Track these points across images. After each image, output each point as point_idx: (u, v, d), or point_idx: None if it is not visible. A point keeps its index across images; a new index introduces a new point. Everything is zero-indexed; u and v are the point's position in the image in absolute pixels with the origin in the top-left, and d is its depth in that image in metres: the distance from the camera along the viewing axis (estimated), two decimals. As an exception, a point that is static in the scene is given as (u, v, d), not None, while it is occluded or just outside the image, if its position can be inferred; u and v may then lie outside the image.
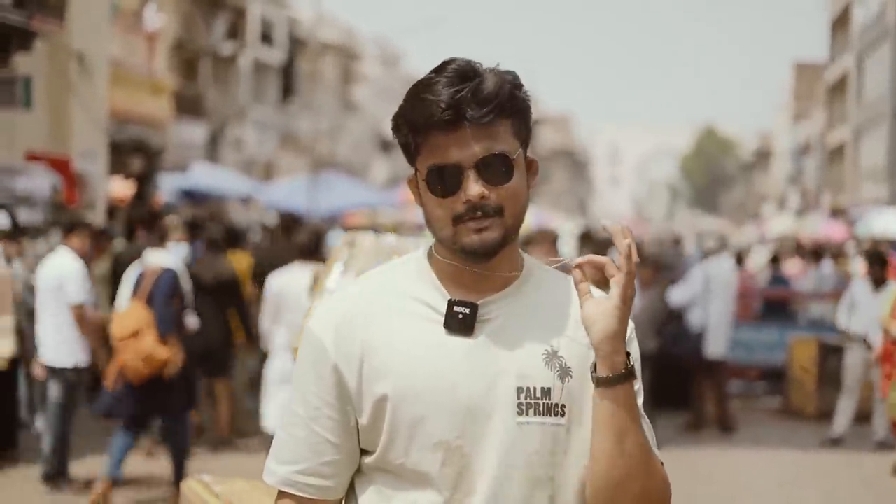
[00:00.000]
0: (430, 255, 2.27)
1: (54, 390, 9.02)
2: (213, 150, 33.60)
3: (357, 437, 2.20)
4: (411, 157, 2.21)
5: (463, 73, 2.14)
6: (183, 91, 30.68)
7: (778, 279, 17.48)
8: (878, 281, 11.84)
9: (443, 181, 2.14)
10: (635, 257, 2.07)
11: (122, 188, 20.58)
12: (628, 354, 2.12)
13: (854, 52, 45.69)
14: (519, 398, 2.15)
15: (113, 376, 8.35)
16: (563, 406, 2.16)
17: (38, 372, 9.31)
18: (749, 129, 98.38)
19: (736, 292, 13.47)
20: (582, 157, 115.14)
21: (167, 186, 21.76)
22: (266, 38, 39.54)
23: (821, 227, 34.48)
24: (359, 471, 2.24)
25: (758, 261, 24.14)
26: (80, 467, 9.55)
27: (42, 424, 9.62)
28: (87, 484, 9.03)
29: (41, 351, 9.10)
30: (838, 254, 20.65)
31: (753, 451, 11.69)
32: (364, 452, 2.22)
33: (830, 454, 11.60)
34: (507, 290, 2.21)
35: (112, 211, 18.06)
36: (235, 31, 36.84)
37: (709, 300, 12.69)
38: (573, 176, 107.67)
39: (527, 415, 2.15)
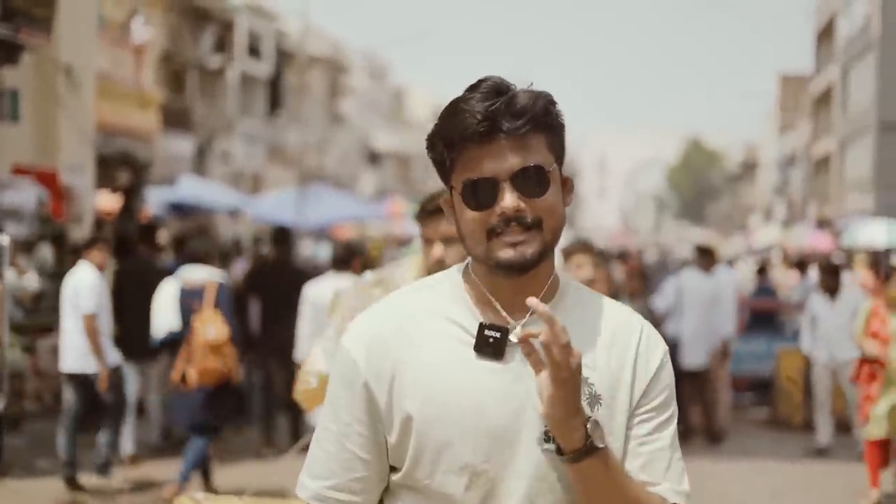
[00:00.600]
0: (465, 275, 2.26)
1: (70, 396, 9.46)
2: (200, 163, 33.58)
3: (387, 455, 2.21)
4: (446, 174, 2.21)
5: (497, 89, 2.15)
6: (170, 104, 30.66)
7: (764, 290, 17.52)
8: (832, 290, 12.04)
9: (478, 194, 2.14)
10: (561, 338, 2.01)
11: (109, 202, 20.54)
12: (591, 423, 2.07)
13: (839, 63, 45.87)
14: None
15: (193, 381, 8.85)
16: None
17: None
18: (735, 141, 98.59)
19: (736, 302, 13.53)
20: (569, 169, 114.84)
21: (154, 200, 21.73)
22: (253, 51, 39.55)
23: (807, 238, 34.57)
24: (387, 488, 2.24)
25: (745, 271, 24.18)
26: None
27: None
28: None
29: (62, 358, 9.55)
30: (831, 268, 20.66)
31: (741, 461, 11.72)
32: (392, 469, 2.22)
33: (818, 464, 11.63)
34: (533, 317, 2.15)
35: (99, 224, 18.03)
36: (223, 44, 36.84)
37: (682, 311, 12.76)
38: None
39: (552, 442, 2.12)
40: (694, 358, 12.67)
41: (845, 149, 44.76)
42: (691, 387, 12.73)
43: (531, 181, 2.14)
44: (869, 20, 39.83)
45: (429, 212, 5.01)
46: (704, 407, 12.81)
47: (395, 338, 2.19)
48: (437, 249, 4.95)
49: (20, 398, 11.68)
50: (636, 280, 12.88)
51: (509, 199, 2.12)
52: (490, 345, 2.16)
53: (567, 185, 2.25)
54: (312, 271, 13.93)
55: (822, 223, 41.16)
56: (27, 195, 12.89)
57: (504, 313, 2.19)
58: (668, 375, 2.27)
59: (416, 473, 2.17)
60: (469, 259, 2.27)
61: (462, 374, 2.15)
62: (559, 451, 2.09)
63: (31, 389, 12.08)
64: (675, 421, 2.27)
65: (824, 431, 12.05)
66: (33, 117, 15.83)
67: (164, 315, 9.63)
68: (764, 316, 16.47)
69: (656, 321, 12.71)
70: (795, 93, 62.64)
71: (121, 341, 10.38)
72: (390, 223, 28.86)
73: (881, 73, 37.70)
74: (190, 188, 22.51)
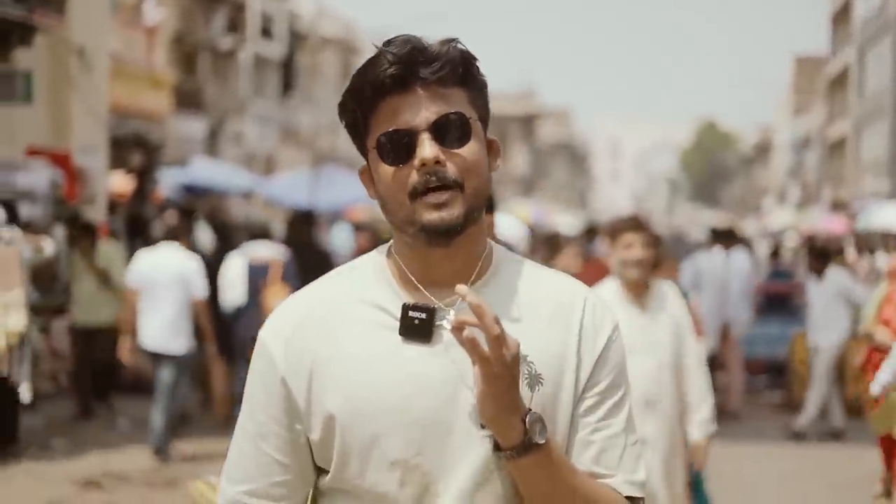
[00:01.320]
0: (388, 254, 2.08)
1: (167, 374, 9.90)
2: (212, 144, 33.58)
3: (310, 456, 2.03)
4: (361, 138, 2.04)
5: (410, 38, 1.98)
6: (182, 85, 30.65)
7: (778, 273, 17.48)
8: (819, 271, 12.20)
9: (395, 148, 1.96)
10: (492, 329, 1.83)
11: (122, 183, 20.56)
12: (530, 417, 1.89)
13: (855, 45, 45.65)
14: None
15: None
16: None
17: (127, 358, 10.24)
18: (749, 123, 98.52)
19: (750, 286, 13.60)
20: (582, 151, 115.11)
21: (167, 181, 21.74)
22: (266, 32, 39.50)
23: (821, 221, 34.47)
24: (318, 490, 2.07)
25: (759, 254, 24.13)
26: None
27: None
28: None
29: (148, 338, 9.88)
30: (839, 250, 20.66)
31: (755, 444, 11.69)
32: (320, 472, 2.05)
33: (831, 448, 11.61)
34: (473, 287, 1.98)
35: (112, 206, 18.03)
36: (235, 25, 36.80)
37: (698, 293, 12.76)
38: (573, 169, 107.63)
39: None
40: (708, 341, 12.65)
41: (861, 131, 44.58)
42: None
43: (451, 130, 1.96)
44: (885, 1, 39.60)
45: None
46: (717, 390, 12.81)
47: (313, 328, 2.01)
48: (361, 238, 4.97)
49: (36, 378, 11.72)
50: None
51: (428, 149, 1.93)
52: (416, 327, 1.96)
53: (493, 148, 2.05)
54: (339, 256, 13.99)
55: (837, 206, 41.02)
56: (41, 177, 12.90)
57: (427, 293, 2.00)
58: (619, 352, 2.06)
59: (344, 474, 1.99)
60: (392, 240, 2.10)
61: (386, 362, 1.96)
62: (497, 448, 1.92)
63: (46, 370, 12.12)
64: (628, 402, 2.07)
65: (836, 414, 12.05)
66: (47, 99, 15.84)
67: (232, 289, 10.26)
68: (778, 299, 16.44)
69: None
70: (810, 75, 62.39)
71: None
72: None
73: (897, 55, 37.48)
74: (202, 170, 22.51)
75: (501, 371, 1.84)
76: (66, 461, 9.79)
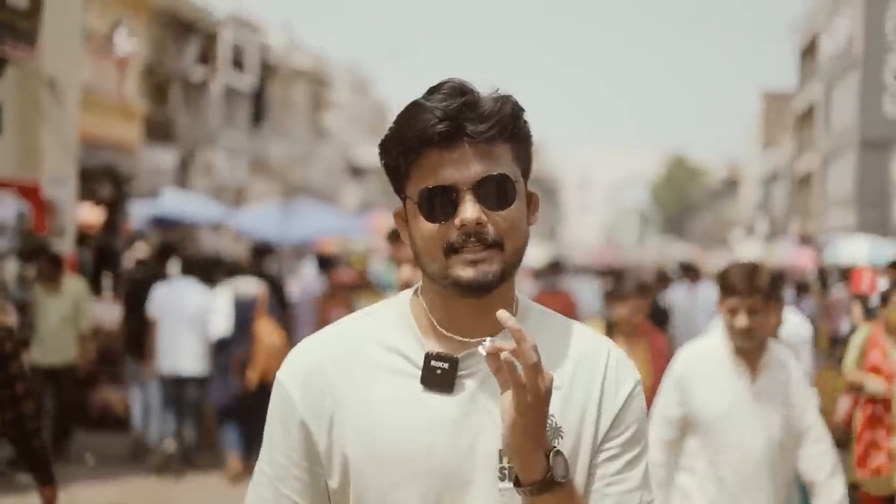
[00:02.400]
0: (413, 300, 2.04)
1: (195, 394, 10.90)
2: (183, 175, 33.50)
3: (328, 501, 2.00)
4: (400, 182, 1.99)
5: (461, 89, 1.93)
6: (153, 116, 30.59)
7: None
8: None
9: (435, 204, 1.91)
10: (531, 357, 1.80)
11: (92, 215, 20.47)
12: (553, 454, 1.86)
13: (822, 81, 46.08)
14: (502, 462, 1.93)
15: (252, 383, 10.47)
16: None
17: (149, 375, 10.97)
18: (718, 157, 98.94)
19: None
20: (552, 184, 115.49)
21: (137, 213, 21.68)
22: (237, 63, 39.51)
23: (789, 254, 34.67)
24: None
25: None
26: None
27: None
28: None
29: (172, 362, 10.67)
30: (803, 284, 20.74)
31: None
32: None
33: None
34: (499, 336, 1.94)
35: (82, 238, 17.96)
36: (206, 57, 36.80)
37: (673, 325, 12.90)
38: (543, 202, 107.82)
39: (510, 480, 1.91)
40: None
41: (828, 166, 44.94)
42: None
43: (495, 192, 1.92)
44: (851, 39, 40.04)
45: (398, 233, 4.93)
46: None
47: (334, 371, 1.97)
48: (405, 272, 4.87)
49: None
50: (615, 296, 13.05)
51: (470, 211, 1.89)
52: (438, 377, 1.94)
53: (532, 202, 2.05)
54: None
55: (804, 239, 41.28)
56: (8, 209, 12.84)
57: (458, 338, 1.97)
58: (639, 408, 2.04)
59: None
60: (418, 284, 2.06)
61: (407, 409, 1.93)
62: (517, 483, 1.87)
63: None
64: (646, 457, 2.05)
65: None
66: (16, 130, 15.77)
67: (217, 322, 10.91)
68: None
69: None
70: (779, 110, 62.89)
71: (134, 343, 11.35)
72: (374, 237, 28.81)
73: (863, 91, 37.88)
74: (173, 201, 22.46)
75: (534, 401, 1.81)
76: (33, 496, 9.70)
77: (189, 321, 10.68)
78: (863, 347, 7.46)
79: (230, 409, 10.77)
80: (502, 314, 1.82)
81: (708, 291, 14.03)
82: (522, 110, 1.99)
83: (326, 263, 15.04)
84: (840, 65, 42.22)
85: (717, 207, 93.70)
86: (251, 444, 10.44)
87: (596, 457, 2.00)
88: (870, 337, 7.38)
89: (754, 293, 4.55)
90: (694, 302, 13.57)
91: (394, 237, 4.89)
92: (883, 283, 9.02)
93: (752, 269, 4.61)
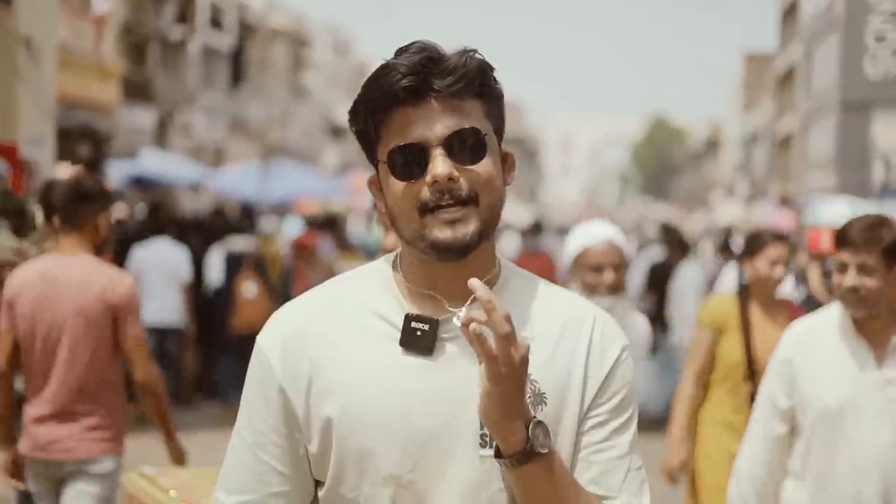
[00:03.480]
0: (394, 264, 2.02)
1: (173, 346, 11.63)
2: (161, 135, 33.33)
3: (308, 467, 1.98)
4: (371, 147, 1.96)
5: (425, 47, 1.91)
6: (131, 76, 30.38)
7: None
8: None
9: (406, 162, 1.89)
10: (502, 327, 1.75)
11: (70, 175, 20.36)
12: (533, 424, 1.81)
13: (803, 42, 46.06)
14: (482, 429, 1.89)
15: (242, 328, 11.53)
16: None
17: None
18: (699, 118, 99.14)
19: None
20: (533, 145, 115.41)
21: (116, 173, 21.56)
22: (215, 23, 39.24)
23: (769, 216, 34.76)
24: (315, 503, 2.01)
25: (707, 253, 24.25)
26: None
27: None
28: None
29: (152, 314, 10.99)
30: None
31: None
32: (318, 484, 1.99)
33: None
34: (478, 302, 1.86)
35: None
36: (184, 16, 36.53)
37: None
38: (524, 164, 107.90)
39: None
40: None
41: (808, 128, 44.99)
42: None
43: (466, 146, 1.89)
44: (832, 0, 39.99)
45: None
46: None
47: (313, 335, 1.95)
48: (389, 238, 4.82)
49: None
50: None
51: (441, 166, 1.87)
52: (418, 339, 1.91)
53: (507, 162, 2.01)
54: None
55: (784, 201, 41.40)
56: (-15, 168, 12.73)
57: (441, 300, 1.94)
58: (626, 373, 2.00)
59: (340, 487, 1.94)
60: (400, 248, 2.03)
61: (386, 373, 1.91)
62: (497, 454, 1.84)
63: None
64: (634, 424, 2.01)
65: None
66: (-8, 89, 15.62)
67: (213, 274, 12.27)
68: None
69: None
70: (759, 71, 62.92)
71: None
72: (354, 197, 28.75)
73: (844, 52, 37.87)
74: (151, 162, 22.34)
75: (508, 371, 1.77)
76: None
77: (167, 277, 11.34)
78: None
79: (226, 345, 11.96)
80: (473, 283, 1.78)
81: (692, 272, 13.48)
82: (491, 67, 1.96)
83: (314, 225, 15.25)
84: (821, 26, 42.19)
85: (698, 168, 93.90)
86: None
87: (582, 424, 1.97)
88: None
89: (871, 247, 3.76)
90: (680, 282, 12.90)
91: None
92: None
93: (875, 222, 3.82)
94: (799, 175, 45.39)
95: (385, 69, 1.90)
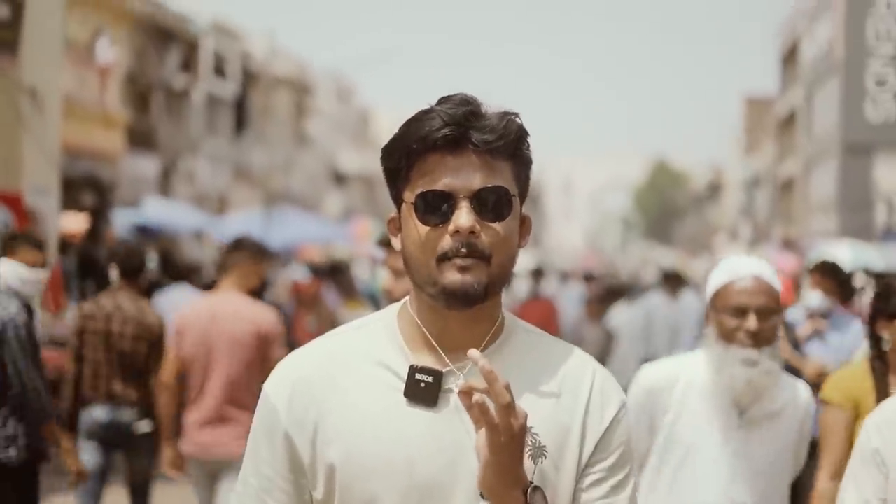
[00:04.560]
0: (400, 313, 2.05)
1: None
2: (165, 183, 33.44)
3: None
4: (398, 186, 1.99)
5: (469, 101, 1.96)
6: (135, 124, 30.53)
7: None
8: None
9: (432, 208, 1.93)
10: (502, 398, 1.80)
11: (74, 223, 20.40)
12: (530, 491, 1.86)
13: (803, 86, 46.25)
14: None
15: None
16: None
17: None
18: (701, 162, 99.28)
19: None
20: (535, 189, 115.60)
21: (120, 221, 21.63)
22: (219, 71, 39.46)
23: (773, 259, 34.76)
24: None
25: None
26: None
27: None
28: None
29: None
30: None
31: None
32: None
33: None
34: (482, 353, 1.93)
35: (64, 247, 17.89)
36: (188, 65, 36.74)
37: (651, 334, 12.63)
38: (526, 208, 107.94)
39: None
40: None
41: (810, 171, 45.10)
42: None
43: (492, 203, 1.94)
44: (832, 44, 40.20)
45: (384, 242, 4.89)
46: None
47: (319, 383, 1.98)
48: (387, 280, 4.82)
49: None
50: (595, 305, 12.84)
51: (465, 218, 1.91)
52: (422, 390, 1.94)
53: (525, 225, 2.05)
54: None
55: (787, 244, 41.42)
56: (-10, 217, 12.79)
57: (442, 353, 1.98)
58: (624, 431, 2.03)
59: None
60: (407, 297, 2.06)
61: (390, 422, 1.94)
62: None
63: None
64: (633, 482, 2.03)
65: None
66: (-3, 139, 15.70)
67: None
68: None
69: (609, 348, 12.35)
70: (760, 115, 63.11)
71: None
72: (356, 244, 28.80)
73: (844, 95, 38.02)
74: (155, 210, 22.44)
75: (508, 441, 1.81)
76: None
77: None
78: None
79: None
80: (472, 353, 1.83)
81: (692, 301, 13.63)
82: (527, 133, 2.01)
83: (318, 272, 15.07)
84: (821, 70, 42.38)
85: (701, 212, 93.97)
86: None
87: (581, 481, 2.00)
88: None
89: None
90: (677, 314, 12.99)
91: (386, 243, 4.86)
92: (817, 298, 7.54)
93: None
94: (802, 218, 45.44)
95: (428, 114, 1.95)
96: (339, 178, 56.15)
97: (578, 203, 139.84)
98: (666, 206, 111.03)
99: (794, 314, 7.55)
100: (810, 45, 45.25)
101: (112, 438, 6.85)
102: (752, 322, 3.74)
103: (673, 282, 13.31)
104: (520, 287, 20.12)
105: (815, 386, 5.67)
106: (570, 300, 16.09)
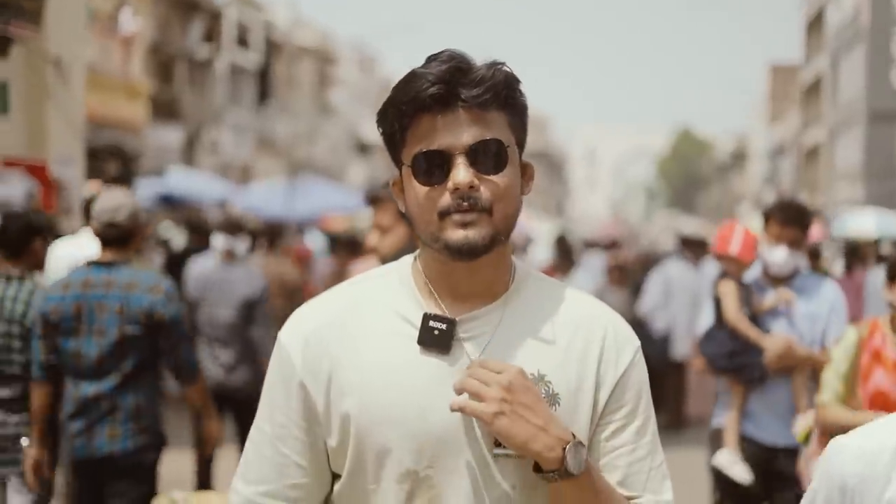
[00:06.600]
0: (413, 265, 2.07)
1: None
2: (189, 153, 33.52)
3: (327, 460, 2.03)
4: (396, 149, 2.01)
5: (455, 56, 1.96)
6: (159, 95, 30.60)
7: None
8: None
9: (429, 168, 1.95)
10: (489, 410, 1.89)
11: (99, 192, 20.50)
12: (570, 447, 1.90)
13: (828, 53, 45.91)
14: None
15: None
16: None
17: None
18: (725, 131, 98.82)
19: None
20: (559, 159, 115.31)
21: (144, 192, 21.69)
22: (242, 41, 39.46)
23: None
24: (332, 497, 2.06)
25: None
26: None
27: None
28: None
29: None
30: (814, 254, 20.54)
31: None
32: (335, 477, 2.04)
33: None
34: (494, 303, 2.00)
35: (89, 216, 17.97)
36: (211, 35, 36.75)
37: (670, 302, 12.52)
38: (550, 177, 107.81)
39: (504, 446, 1.93)
40: (682, 349, 12.56)
41: (835, 139, 44.83)
42: (682, 378, 12.67)
43: (488, 156, 1.95)
44: (858, 10, 39.87)
45: (370, 199, 4.86)
46: (678, 397, 12.70)
47: (334, 333, 2.01)
48: (371, 237, 4.81)
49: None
50: (617, 272, 12.78)
51: (463, 174, 1.93)
52: (435, 337, 1.96)
53: (527, 173, 2.05)
54: None
55: (812, 213, 41.25)
56: (17, 188, 12.87)
57: (442, 306, 2.01)
58: (640, 376, 2.05)
59: (356, 481, 2.00)
60: (417, 251, 2.08)
61: (404, 371, 1.96)
62: (537, 469, 1.93)
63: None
64: (653, 422, 2.06)
65: None
66: (23, 109, 15.79)
67: None
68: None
69: (635, 317, 12.26)
70: (785, 83, 62.69)
71: None
72: (380, 214, 28.82)
73: (870, 62, 37.76)
74: (179, 180, 22.47)
75: (506, 425, 1.90)
76: None
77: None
78: (852, 360, 4.61)
79: None
80: (459, 385, 1.91)
81: (713, 269, 13.52)
82: (517, 80, 2.01)
83: (337, 243, 14.94)
84: (847, 37, 42.06)
85: (725, 181, 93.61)
86: None
87: (601, 429, 2.02)
88: (861, 340, 4.61)
89: None
90: (699, 280, 12.79)
91: (373, 200, 4.78)
92: (781, 254, 5.42)
93: None
94: (826, 187, 45.21)
95: (414, 76, 1.96)
96: (363, 148, 56.14)
97: (602, 172, 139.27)
98: (690, 176, 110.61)
99: (752, 274, 5.66)
100: (836, 12, 44.88)
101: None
102: None
103: (694, 248, 13.06)
104: (542, 255, 20.10)
105: (779, 371, 5.22)
106: (592, 268, 16.00)
